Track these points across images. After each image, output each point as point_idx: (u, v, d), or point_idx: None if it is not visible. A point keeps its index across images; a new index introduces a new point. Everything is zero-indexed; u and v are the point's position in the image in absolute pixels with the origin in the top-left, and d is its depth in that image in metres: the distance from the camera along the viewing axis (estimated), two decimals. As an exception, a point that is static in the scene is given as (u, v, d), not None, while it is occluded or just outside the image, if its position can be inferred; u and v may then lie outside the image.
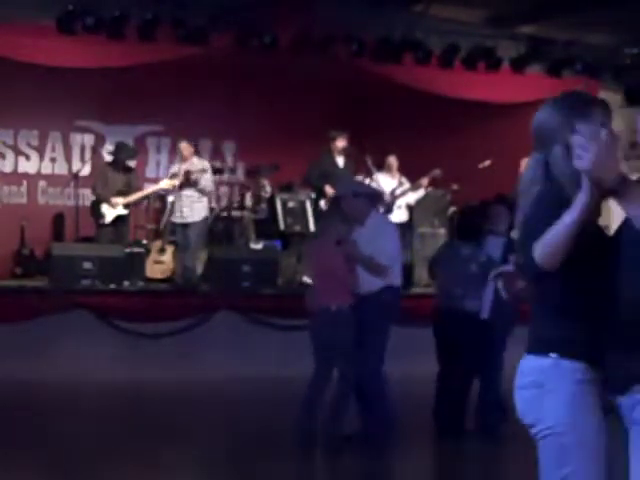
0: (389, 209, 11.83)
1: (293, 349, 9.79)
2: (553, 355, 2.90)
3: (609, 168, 2.57)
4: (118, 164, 11.66)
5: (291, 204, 12.13)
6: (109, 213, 11.31)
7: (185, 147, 11.55)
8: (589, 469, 2.87)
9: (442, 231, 12.38)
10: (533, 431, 2.95)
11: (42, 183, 13.87)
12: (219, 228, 12.47)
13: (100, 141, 13.95)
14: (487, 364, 7.53)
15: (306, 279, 10.00)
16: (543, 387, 2.90)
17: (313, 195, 12.09)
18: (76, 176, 12.28)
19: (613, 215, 3.04)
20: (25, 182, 13.80)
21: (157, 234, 12.19)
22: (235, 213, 12.60)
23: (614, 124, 2.96)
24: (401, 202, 12.36)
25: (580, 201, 2.66)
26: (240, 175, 14.30)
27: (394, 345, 7.28)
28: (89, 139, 14.06)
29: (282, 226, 12.05)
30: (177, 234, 11.51)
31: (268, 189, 12.44)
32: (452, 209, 12.51)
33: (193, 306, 10.45)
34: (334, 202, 7.62)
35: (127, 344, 10.09)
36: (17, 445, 7.00)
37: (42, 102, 12.90)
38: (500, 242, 7.48)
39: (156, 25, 11.51)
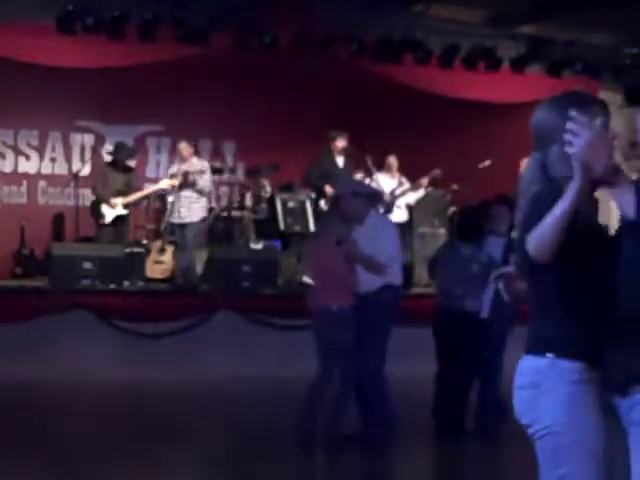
0: (389, 209, 11.83)
1: (293, 349, 9.80)
2: (550, 355, 2.90)
3: (599, 156, 2.63)
4: (118, 164, 11.65)
5: (291, 204, 12.13)
6: (109, 213, 11.31)
7: (184, 147, 11.55)
8: (587, 469, 2.87)
9: (442, 231, 12.38)
10: (530, 431, 2.95)
11: (42, 183, 13.86)
12: (219, 228, 12.47)
13: (100, 141, 13.94)
14: (487, 364, 7.53)
15: (306, 279, 9.99)
16: (540, 387, 2.90)
17: (313, 195, 12.08)
18: (76, 176, 12.28)
19: (613, 215, 3.04)
20: (25, 182, 13.80)
21: (157, 234, 12.17)
22: (235, 213, 12.60)
23: (614, 124, 2.98)
24: (401, 202, 12.36)
25: (571, 189, 2.69)
26: (240, 175, 14.30)
27: (394, 345, 7.27)
28: (89, 139, 14.06)
29: (282, 226, 12.05)
30: (175, 234, 11.52)
31: (268, 189, 12.43)
32: (452, 209, 12.51)
33: (193, 306, 10.45)
34: (334, 202, 7.61)
35: (127, 344, 10.09)
36: (17, 445, 7.00)
37: (42, 102, 12.90)
38: (501, 242, 7.48)
39: (156, 25, 11.52)
